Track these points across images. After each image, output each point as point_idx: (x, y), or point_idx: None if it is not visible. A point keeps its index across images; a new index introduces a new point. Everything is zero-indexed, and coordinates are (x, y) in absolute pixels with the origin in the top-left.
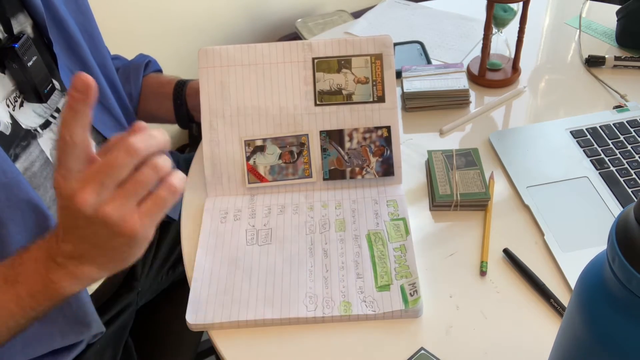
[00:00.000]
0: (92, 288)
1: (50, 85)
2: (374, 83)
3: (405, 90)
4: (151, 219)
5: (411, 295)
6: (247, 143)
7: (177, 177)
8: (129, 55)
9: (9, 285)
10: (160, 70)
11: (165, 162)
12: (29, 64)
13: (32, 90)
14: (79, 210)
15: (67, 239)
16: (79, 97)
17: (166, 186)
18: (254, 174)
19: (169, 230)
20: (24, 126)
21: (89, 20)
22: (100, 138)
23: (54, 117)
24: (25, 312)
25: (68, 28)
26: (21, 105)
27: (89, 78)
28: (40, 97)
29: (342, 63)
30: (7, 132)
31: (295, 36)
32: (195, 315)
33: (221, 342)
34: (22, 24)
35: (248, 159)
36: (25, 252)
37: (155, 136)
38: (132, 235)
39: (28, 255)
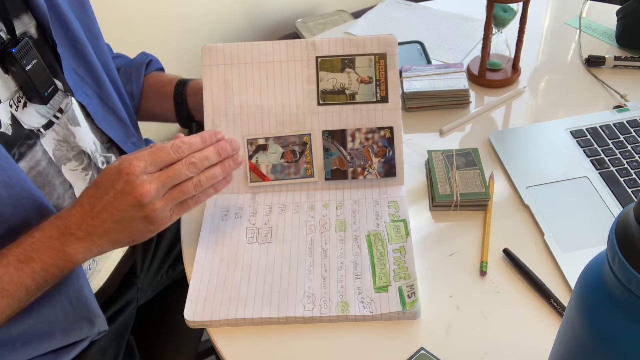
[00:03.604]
0: (94, 286)
1: (52, 87)
2: (378, 83)
3: (405, 90)
4: (176, 217)
5: (409, 297)
6: (250, 142)
7: (208, 193)
8: (130, 55)
9: (24, 264)
10: (161, 69)
11: (208, 178)
12: (28, 67)
13: (33, 91)
14: (137, 198)
15: (102, 217)
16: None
17: (195, 199)
18: (256, 173)
19: (168, 228)
20: (26, 127)
21: (91, 19)
22: (105, 137)
23: (57, 118)
24: (38, 285)
25: (72, 28)
26: (24, 105)
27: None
28: (41, 98)
29: (345, 62)
30: (9, 133)
31: (295, 36)
32: (193, 312)
33: (221, 341)
34: (25, 24)
35: (250, 157)
36: (36, 231)
37: (209, 157)
38: (159, 226)
39: (40, 234)
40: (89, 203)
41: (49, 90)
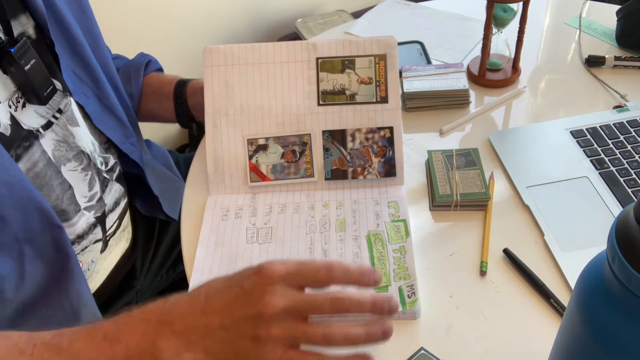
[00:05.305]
0: (91, 287)
1: (51, 87)
2: (378, 83)
3: (405, 90)
4: None
5: (409, 297)
6: (250, 142)
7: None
8: (129, 55)
9: (108, 343)
10: (160, 69)
11: (342, 339)
12: (27, 67)
13: (31, 92)
14: (260, 309)
15: (211, 318)
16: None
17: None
18: (256, 173)
19: (168, 229)
20: (25, 127)
21: (90, 19)
22: (103, 138)
23: (56, 118)
24: None
25: (70, 28)
26: (24, 106)
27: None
28: (40, 99)
29: (345, 63)
30: (7, 133)
31: (295, 36)
32: None
33: None
34: (24, 25)
35: (250, 157)
36: (137, 308)
37: (361, 304)
38: None
39: (139, 312)
40: (208, 295)
41: (47, 91)
